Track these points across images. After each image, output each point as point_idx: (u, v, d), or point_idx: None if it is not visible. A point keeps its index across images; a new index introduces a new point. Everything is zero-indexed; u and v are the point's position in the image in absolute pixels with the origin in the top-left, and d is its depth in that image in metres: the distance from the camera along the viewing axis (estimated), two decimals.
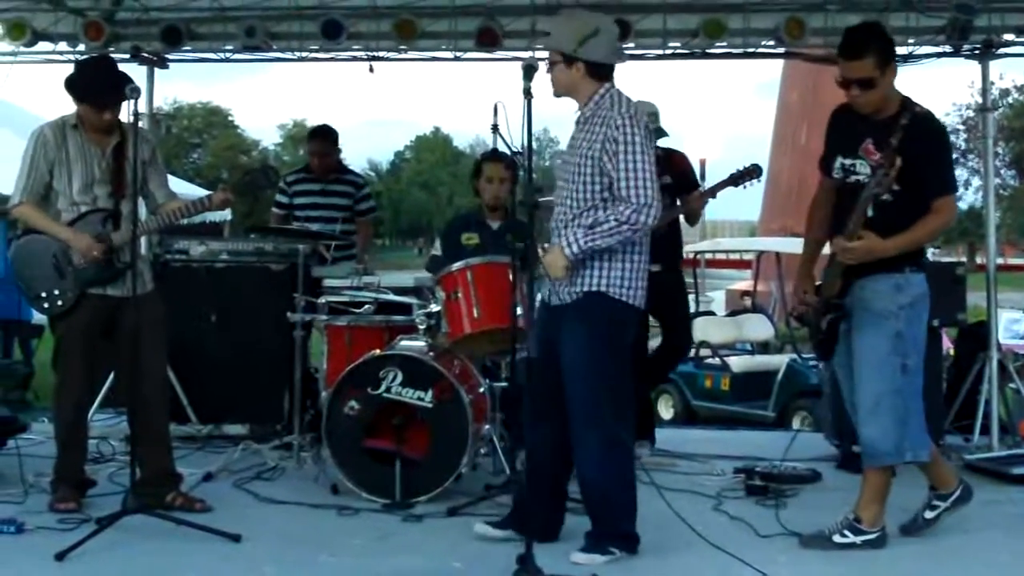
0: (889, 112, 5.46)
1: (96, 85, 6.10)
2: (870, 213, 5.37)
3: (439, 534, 5.44)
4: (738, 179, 7.73)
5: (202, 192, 6.46)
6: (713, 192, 7.82)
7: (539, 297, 5.50)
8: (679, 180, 7.72)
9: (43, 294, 6.15)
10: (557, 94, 5.47)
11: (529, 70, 5.03)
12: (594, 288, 5.30)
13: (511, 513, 5.64)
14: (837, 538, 5.54)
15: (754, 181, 7.77)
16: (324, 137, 9.05)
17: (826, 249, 5.77)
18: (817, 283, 5.77)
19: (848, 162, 5.55)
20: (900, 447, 5.50)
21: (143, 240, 6.36)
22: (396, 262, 50.70)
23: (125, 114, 5.96)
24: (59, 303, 6.14)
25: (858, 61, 5.42)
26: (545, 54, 5.63)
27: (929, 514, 5.78)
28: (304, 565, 5.37)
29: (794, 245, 18.54)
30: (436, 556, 5.30)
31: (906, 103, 5.46)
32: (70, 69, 6.53)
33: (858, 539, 5.53)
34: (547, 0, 8.38)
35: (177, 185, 16.88)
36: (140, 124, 6.01)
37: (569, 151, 5.46)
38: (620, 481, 5.44)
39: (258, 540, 5.68)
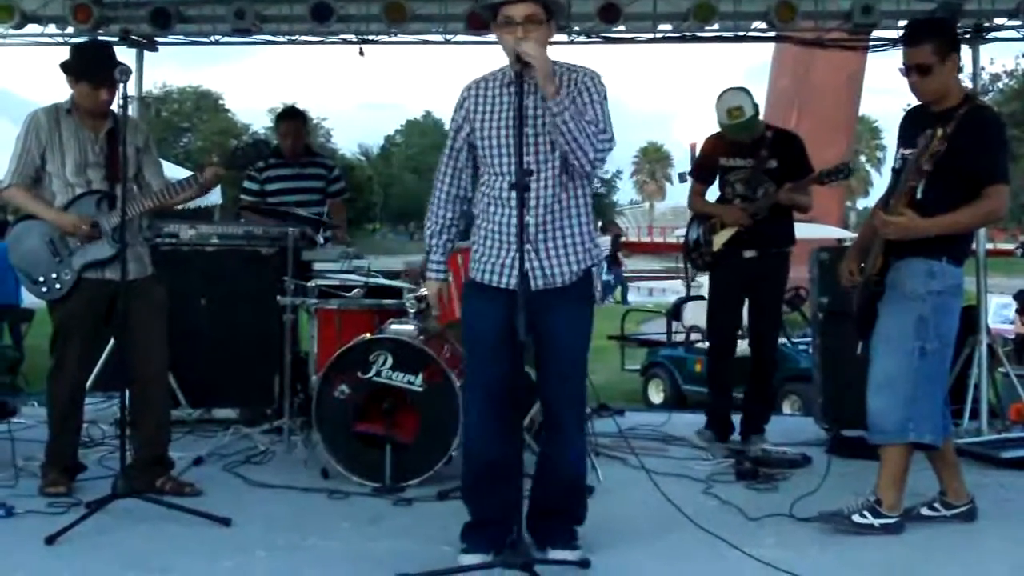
0: (950, 104, 5.54)
1: (93, 64, 6.08)
2: (919, 196, 5.41)
3: (429, 518, 5.45)
4: (825, 176, 7.66)
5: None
6: (801, 188, 7.72)
7: (491, 280, 5.13)
8: (788, 165, 7.73)
9: (41, 279, 6.14)
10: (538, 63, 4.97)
11: (519, 57, 4.80)
12: (587, 266, 5.12)
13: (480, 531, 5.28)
14: (856, 518, 5.55)
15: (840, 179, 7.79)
16: (296, 116, 9.10)
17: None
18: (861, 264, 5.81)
19: (907, 152, 5.57)
20: (904, 426, 5.50)
21: (144, 223, 6.33)
22: (386, 246, 50.75)
23: (117, 100, 5.93)
24: (57, 287, 6.12)
25: (916, 47, 5.52)
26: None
27: (926, 511, 5.80)
28: (294, 549, 5.37)
29: None
30: (426, 540, 5.30)
31: (969, 96, 5.58)
32: (59, 52, 6.51)
33: (877, 521, 5.54)
34: None
35: (167, 169, 16.89)
36: (131, 109, 5.99)
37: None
38: (586, 470, 5.44)
39: (248, 524, 5.68)
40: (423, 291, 6.72)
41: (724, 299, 7.90)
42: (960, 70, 5.68)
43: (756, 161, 7.67)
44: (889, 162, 5.87)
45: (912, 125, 5.65)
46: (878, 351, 5.59)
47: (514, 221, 4.89)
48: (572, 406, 5.18)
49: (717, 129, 7.84)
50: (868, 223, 5.98)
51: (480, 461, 5.19)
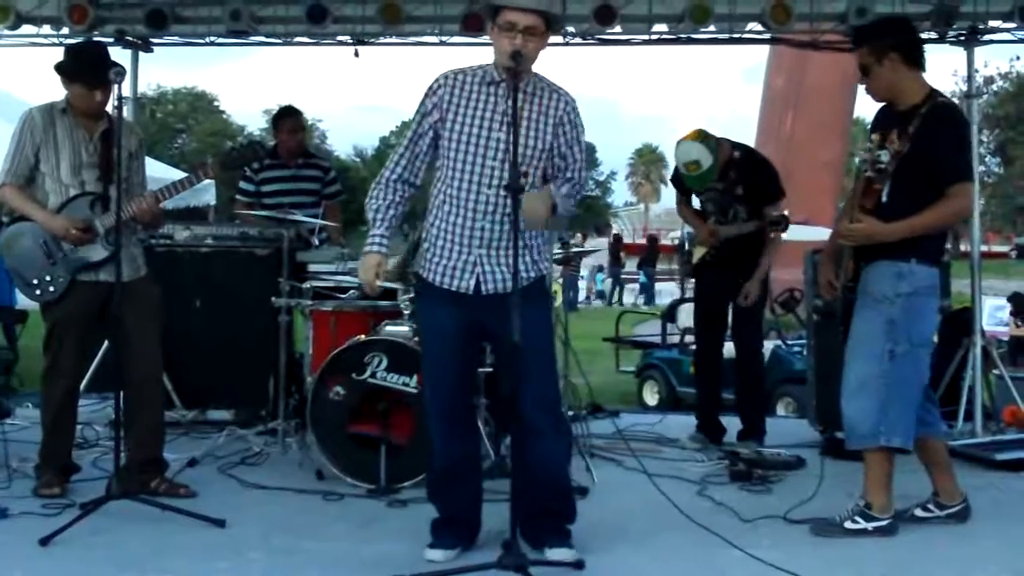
0: (912, 103, 5.54)
1: (88, 65, 6.08)
2: (884, 199, 5.42)
3: (424, 519, 5.43)
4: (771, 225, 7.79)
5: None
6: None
7: (441, 282, 5.11)
8: (754, 191, 7.80)
9: (35, 281, 6.13)
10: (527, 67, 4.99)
11: (516, 55, 4.82)
12: (543, 271, 5.19)
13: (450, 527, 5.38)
14: (849, 524, 5.55)
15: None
16: (295, 115, 9.00)
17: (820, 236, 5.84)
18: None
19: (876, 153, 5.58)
20: (876, 431, 5.50)
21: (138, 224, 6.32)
22: None
23: (112, 102, 5.93)
24: (51, 289, 6.11)
25: (855, 50, 5.65)
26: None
27: (920, 513, 5.80)
28: (289, 550, 5.36)
29: None
30: (421, 541, 5.29)
31: (933, 93, 5.56)
32: (54, 53, 6.51)
33: (869, 525, 5.54)
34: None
35: (161, 171, 16.86)
36: (125, 110, 5.98)
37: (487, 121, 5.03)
38: (567, 469, 5.48)
39: (243, 525, 5.68)
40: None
41: (707, 303, 7.98)
42: (923, 69, 5.60)
43: (725, 184, 7.75)
44: None
45: (882, 123, 5.66)
46: (850, 355, 5.60)
47: (468, 224, 5.00)
48: (544, 408, 5.12)
49: None
50: (836, 231, 5.97)
51: (442, 460, 5.28)
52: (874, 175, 5.40)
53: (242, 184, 8.88)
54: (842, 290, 5.68)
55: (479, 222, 4.99)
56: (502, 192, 4.88)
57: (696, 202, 8.20)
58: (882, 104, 5.76)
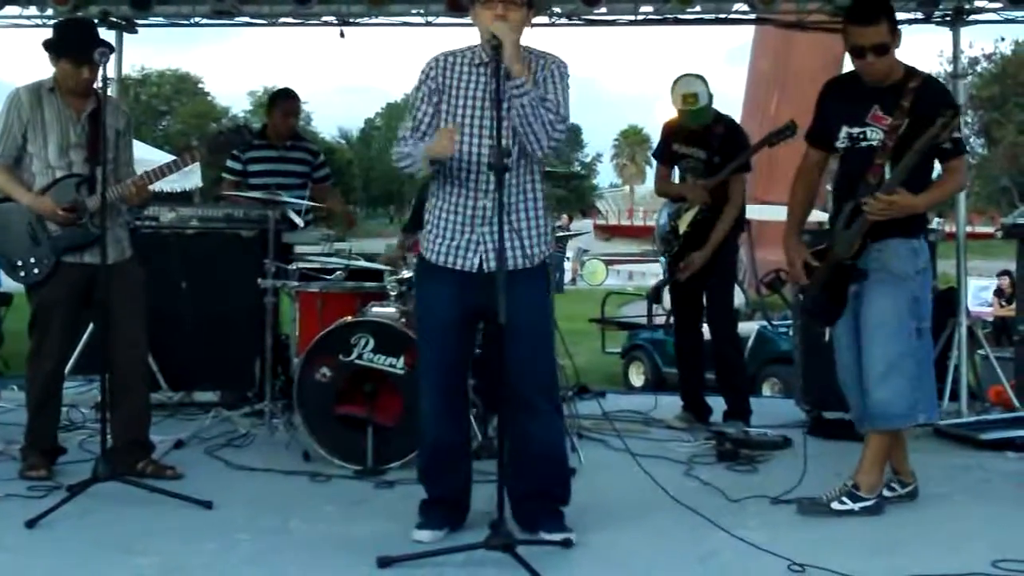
0: (894, 79, 5.50)
1: (75, 41, 6.06)
2: (886, 176, 5.41)
3: (411, 500, 5.44)
4: (773, 137, 7.72)
5: (172, 158, 6.45)
6: (746, 159, 7.81)
7: (445, 261, 5.12)
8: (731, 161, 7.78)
9: (19, 263, 6.10)
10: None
11: (496, 50, 4.82)
12: (546, 254, 5.20)
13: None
14: (836, 505, 5.55)
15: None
16: (291, 99, 8.93)
17: (813, 217, 5.82)
18: (813, 249, 5.79)
19: (856, 131, 5.57)
20: (913, 408, 5.53)
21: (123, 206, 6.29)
22: (367, 229, 50.65)
23: (98, 81, 5.89)
24: (35, 271, 6.09)
25: (874, 27, 5.42)
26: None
27: (887, 493, 5.80)
28: (276, 532, 5.36)
29: (764, 213, 18.66)
30: (409, 522, 5.29)
31: (911, 70, 5.53)
32: (39, 34, 6.47)
33: (856, 506, 5.55)
34: None
35: (146, 152, 16.85)
36: (110, 91, 5.96)
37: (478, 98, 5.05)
38: (566, 450, 5.49)
39: (230, 507, 5.68)
40: (405, 273, 6.74)
41: (680, 283, 7.97)
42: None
43: (707, 152, 7.74)
44: None
45: (853, 103, 5.59)
46: (875, 337, 5.50)
47: (471, 203, 5.02)
48: (543, 388, 5.18)
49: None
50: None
51: (434, 442, 5.30)
52: (878, 150, 5.40)
53: (229, 163, 8.82)
54: (836, 267, 5.60)
55: (480, 201, 5.01)
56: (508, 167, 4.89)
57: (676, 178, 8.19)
58: (842, 78, 5.77)
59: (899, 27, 5.53)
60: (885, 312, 5.50)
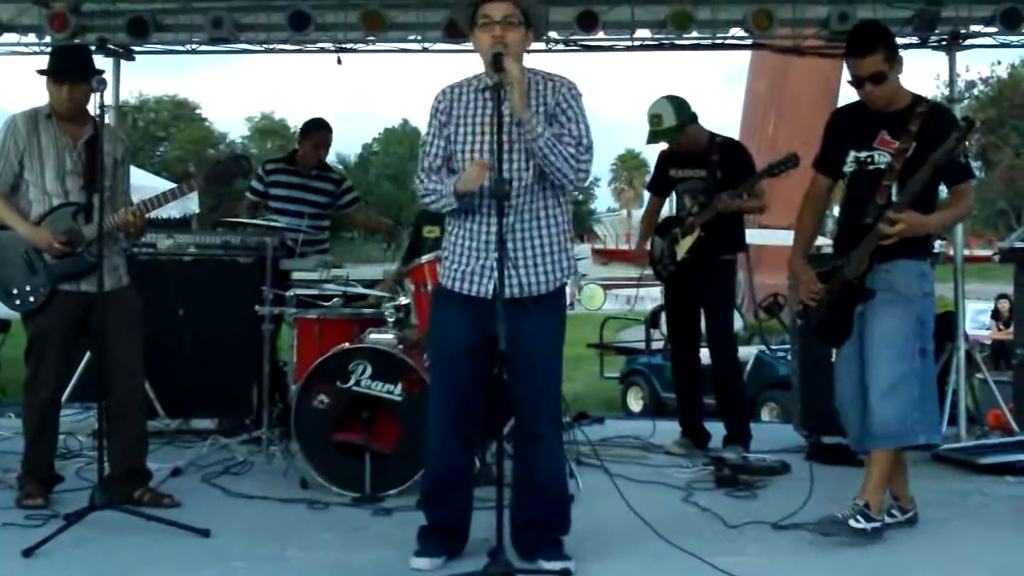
0: (900, 105, 5.57)
1: (72, 61, 6.11)
2: (894, 197, 5.45)
3: (409, 528, 5.42)
4: (775, 168, 7.63)
5: (169, 185, 6.46)
6: (741, 191, 7.69)
7: (460, 288, 5.11)
8: (730, 175, 7.74)
9: (15, 291, 6.09)
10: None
11: (498, 59, 4.83)
12: (565, 279, 5.16)
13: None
14: (853, 523, 5.47)
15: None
16: (324, 131, 8.85)
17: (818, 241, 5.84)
18: (818, 270, 5.79)
19: (864, 155, 5.61)
20: (914, 429, 5.50)
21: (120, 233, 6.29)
22: (365, 255, 50.61)
23: (94, 108, 5.90)
24: (31, 299, 6.07)
25: (870, 57, 5.51)
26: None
27: (888, 520, 5.79)
28: (274, 560, 5.34)
29: (763, 237, 18.65)
30: (407, 550, 5.27)
31: (917, 97, 5.61)
32: (37, 61, 6.48)
33: (868, 526, 5.50)
34: None
35: (144, 179, 16.83)
36: (107, 118, 5.96)
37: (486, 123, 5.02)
38: (567, 480, 5.47)
39: (227, 535, 5.65)
40: (402, 299, 6.73)
41: (678, 308, 7.97)
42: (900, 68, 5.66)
43: (708, 170, 7.74)
44: None
45: (860, 129, 5.65)
46: (880, 356, 5.51)
47: (485, 229, 5.00)
48: (549, 418, 5.18)
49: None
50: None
51: (439, 469, 5.26)
52: (886, 172, 5.46)
53: (252, 183, 8.84)
54: (846, 287, 5.60)
55: (493, 227, 4.95)
56: (514, 194, 4.93)
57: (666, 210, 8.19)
58: (852, 106, 5.78)
59: (898, 56, 5.57)
60: (891, 332, 5.51)
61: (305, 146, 8.80)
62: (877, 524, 5.53)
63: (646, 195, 8.45)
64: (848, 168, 5.69)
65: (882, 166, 5.53)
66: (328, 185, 8.85)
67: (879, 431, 5.53)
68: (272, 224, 7.69)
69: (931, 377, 5.70)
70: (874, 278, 5.56)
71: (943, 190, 5.71)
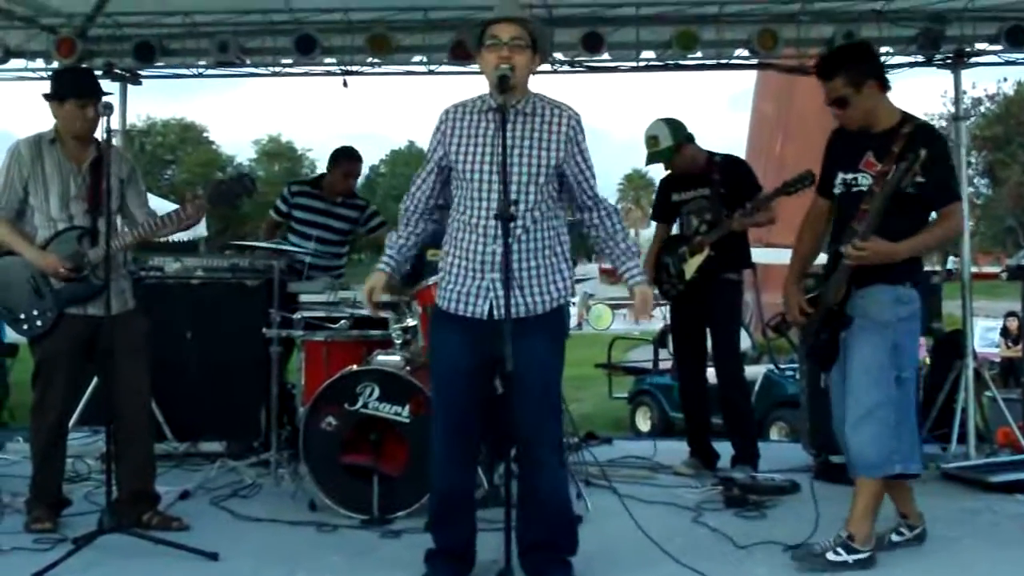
0: (887, 125, 5.52)
1: (76, 82, 6.13)
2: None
3: (418, 550, 5.41)
4: (790, 187, 7.48)
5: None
6: (753, 209, 7.64)
7: (457, 309, 5.12)
8: (733, 191, 7.74)
9: (22, 316, 6.10)
10: (516, 83, 5.01)
11: (504, 80, 4.87)
12: (563, 300, 5.17)
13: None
14: (831, 556, 5.43)
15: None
16: (354, 161, 8.85)
17: (819, 260, 5.80)
18: (810, 295, 5.76)
19: (849, 176, 5.57)
20: (890, 458, 5.44)
21: (127, 256, 6.30)
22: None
23: (101, 132, 5.92)
24: (38, 324, 6.08)
25: (829, 82, 5.53)
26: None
27: (896, 538, 5.78)
28: None
29: (770, 256, 18.60)
30: (415, 572, 5.27)
31: (906, 116, 5.54)
32: (43, 86, 6.48)
33: (851, 558, 5.43)
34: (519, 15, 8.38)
35: (152, 202, 16.82)
36: (114, 142, 5.98)
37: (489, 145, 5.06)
38: (570, 501, 5.45)
39: (236, 558, 5.65)
40: (409, 322, 6.74)
41: (684, 328, 7.96)
42: (888, 90, 5.59)
43: (711, 189, 7.73)
44: None
45: (849, 150, 5.61)
46: (855, 384, 5.48)
47: (481, 249, 5.01)
48: (550, 440, 5.16)
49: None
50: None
51: (443, 491, 5.27)
52: (865, 195, 5.39)
53: (277, 203, 8.86)
54: (828, 313, 5.58)
55: (489, 247, 4.98)
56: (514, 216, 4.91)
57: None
58: (837, 129, 5.75)
59: (872, 77, 5.51)
60: (865, 360, 5.46)
61: (335, 174, 8.76)
62: (862, 556, 5.45)
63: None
64: (837, 190, 5.65)
65: (864, 188, 5.48)
66: (352, 212, 8.80)
67: (855, 460, 5.51)
68: (279, 247, 7.69)
69: (909, 405, 5.58)
70: (852, 304, 5.51)
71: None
